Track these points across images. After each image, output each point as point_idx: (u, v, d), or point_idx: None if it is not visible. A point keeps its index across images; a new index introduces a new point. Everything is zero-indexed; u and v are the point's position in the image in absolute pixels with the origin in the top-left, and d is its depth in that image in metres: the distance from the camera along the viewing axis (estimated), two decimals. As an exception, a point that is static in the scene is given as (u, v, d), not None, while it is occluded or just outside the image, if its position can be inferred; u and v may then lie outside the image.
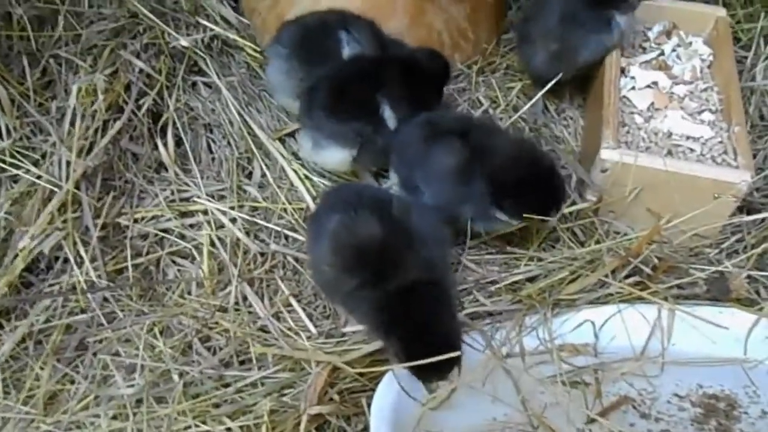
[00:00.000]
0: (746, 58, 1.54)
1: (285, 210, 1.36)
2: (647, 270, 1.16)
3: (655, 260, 1.16)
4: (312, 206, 1.35)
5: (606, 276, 1.15)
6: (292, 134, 1.48)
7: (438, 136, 1.21)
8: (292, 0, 1.54)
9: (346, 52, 1.36)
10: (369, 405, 0.99)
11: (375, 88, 1.31)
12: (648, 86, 1.40)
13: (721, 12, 1.48)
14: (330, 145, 1.31)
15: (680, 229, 1.25)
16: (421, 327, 0.98)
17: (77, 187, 1.28)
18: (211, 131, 1.47)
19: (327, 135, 1.31)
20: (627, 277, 1.17)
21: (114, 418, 1.06)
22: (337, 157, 1.33)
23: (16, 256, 1.24)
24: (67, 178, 1.28)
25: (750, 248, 1.26)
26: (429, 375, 0.99)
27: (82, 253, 1.26)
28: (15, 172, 1.30)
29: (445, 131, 1.21)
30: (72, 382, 1.12)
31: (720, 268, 1.18)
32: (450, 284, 1.08)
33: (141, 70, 1.42)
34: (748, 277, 1.17)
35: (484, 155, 1.16)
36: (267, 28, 1.57)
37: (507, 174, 1.14)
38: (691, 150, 1.30)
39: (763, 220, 1.30)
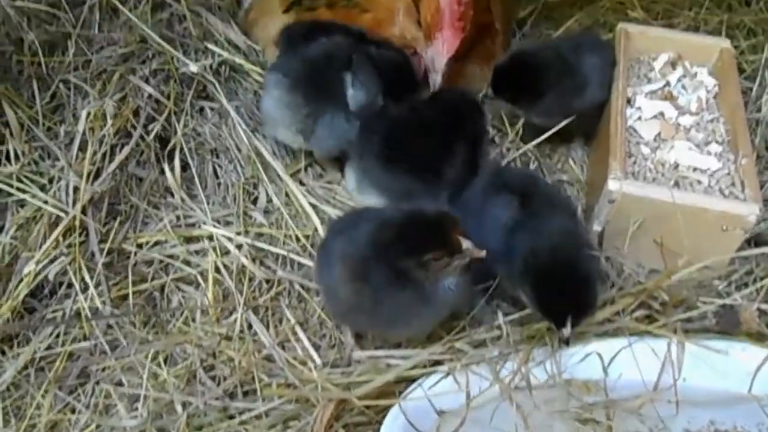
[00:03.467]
0: (751, 89, 1.55)
1: (291, 236, 1.36)
2: (656, 305, 1.16)
3: (664, 296, 1.14)
4: (320, 230, 1.35)
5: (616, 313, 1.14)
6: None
7: (499, 190, 1.19)
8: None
9: (351, 93, 1.35)
10: (375, 439, 0.98)
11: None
12: (654, 117, 1.41)
13: (726, 43, 1.49)
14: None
15: (688, 260, 1.25)
16: None
17: (84, 213, 1.28)
18: (218, 156, 1.48)
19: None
20: (635, 310, 1.16)
21: (116, 449, 1.04)
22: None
23: (21, 281, 1.24)
24: (74, 204, 1.28)
25: (759, 281, 1.25)
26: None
27: (87, 279, 1.25)
28: (22, 196, 1.30)
29: (507, 188, 1.19)
30: (73, 411, 1.11)
31: (729, 301, 1.17)
32: None
33: (150, 96, 1.43)
34: (758, 310, 1.16)
35: (531, 228, 1.11)
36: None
37: (540, 262, 1.06)
38: (699, 182, 1.30)
39: (772, 252, 1.30)
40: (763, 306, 1.17)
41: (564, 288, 1.03)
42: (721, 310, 1.15)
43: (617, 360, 1.10)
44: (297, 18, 1.53)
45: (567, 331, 1.02)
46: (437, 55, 1.39)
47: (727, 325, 1.12)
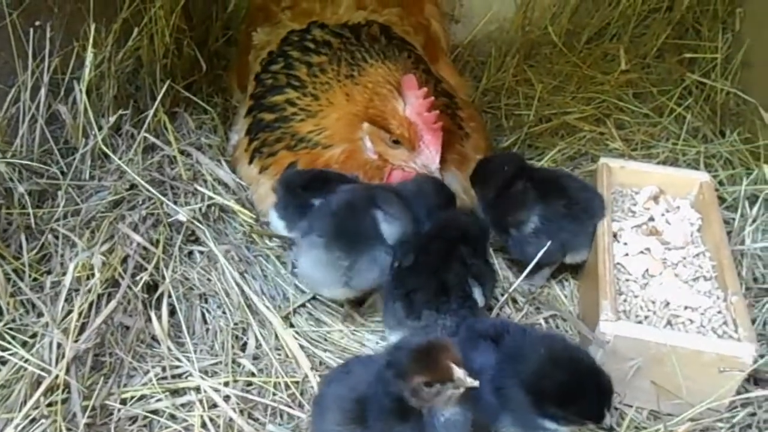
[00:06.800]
0: (733, 219, 1.56)
1: (280, 384, 1.32)
2: (659, 455, 1.12)
3: (668, 448, 1.11)
4: (311, 376, 1.31)
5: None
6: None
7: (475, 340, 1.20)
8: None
9: (385, 228, 1.34)
10: None
11: None
12: (641, 252, 1.42)
13: (705, 177, 1.53)
14: None
15: (687, 402, 1.22)
16: None
17: (67, 371, 1.24)
18: (206, 301, 1.46)
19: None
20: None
21: None
22: None
23: (-4, 447, 1.18)
24: (57, 361, 1.24)
25: (763, 423, 1.22)
26: None
27: (67, 442, 1.19)
28: (2, 354, 1.26)
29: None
30: None
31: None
32: None
33: (138, 243, 1.42)
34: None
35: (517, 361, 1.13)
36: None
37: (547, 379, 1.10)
38: (691, 321, 1.29)
39: (773, 391, 1.27)
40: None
41: (584, 387, 1.08)
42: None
43: None
44: (261, 165, 1.56)
45: (607, 419, 1.08)
46: (427, 159, 1.44)
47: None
